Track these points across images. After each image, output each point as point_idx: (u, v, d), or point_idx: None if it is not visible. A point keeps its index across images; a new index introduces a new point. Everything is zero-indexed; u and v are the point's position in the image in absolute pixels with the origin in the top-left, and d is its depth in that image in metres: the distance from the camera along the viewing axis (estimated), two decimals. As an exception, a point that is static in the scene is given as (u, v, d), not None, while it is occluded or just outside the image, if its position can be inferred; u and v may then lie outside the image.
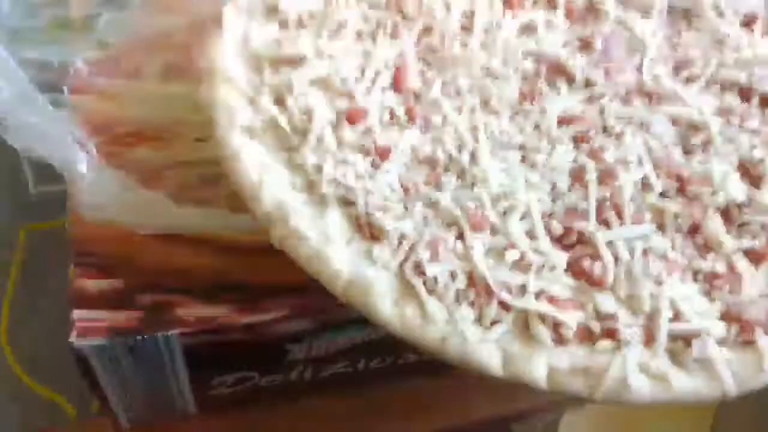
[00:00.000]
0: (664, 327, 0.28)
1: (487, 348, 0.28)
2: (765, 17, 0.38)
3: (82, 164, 0.36)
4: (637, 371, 0.28)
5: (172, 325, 0.34)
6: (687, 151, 0.33)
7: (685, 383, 0.28)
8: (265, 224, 0.30)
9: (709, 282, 0.30)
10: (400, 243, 0.29)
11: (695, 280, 0.30)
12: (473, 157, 0.31)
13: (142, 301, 0.35)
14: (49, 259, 0.40)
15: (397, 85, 0.33)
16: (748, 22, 0.38)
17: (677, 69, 0.36)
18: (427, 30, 0.35)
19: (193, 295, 0.35)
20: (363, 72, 0.33)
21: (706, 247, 0.31)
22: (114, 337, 0.34)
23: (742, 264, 0.30)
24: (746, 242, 0.31)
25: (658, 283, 0.29)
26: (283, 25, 0.34)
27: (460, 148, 0.32)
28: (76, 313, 0.34)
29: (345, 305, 0.29)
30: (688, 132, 0.34)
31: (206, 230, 0.36)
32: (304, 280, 0.29)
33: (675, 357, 0.28)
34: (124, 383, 0.37)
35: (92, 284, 0.35)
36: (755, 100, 0.35)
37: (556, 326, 0.28)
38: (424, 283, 0.28)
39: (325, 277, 0.29)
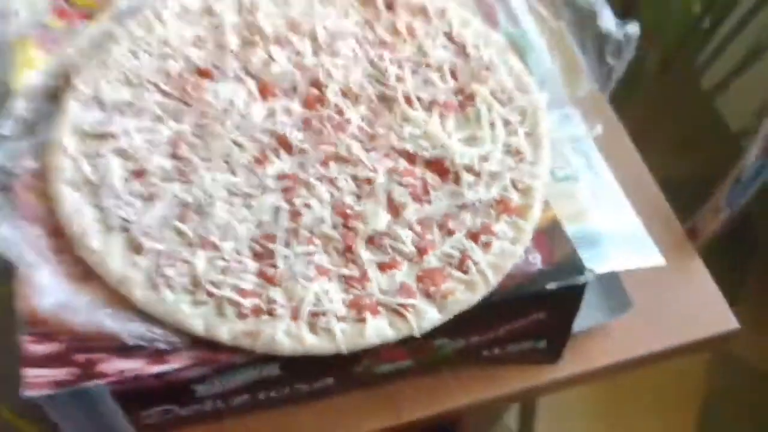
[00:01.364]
0: (306, 308, 0.45)
1: (195, 319, 0.45)
2: (443, 101, 0.55)
3: (38, 269, 0.44)
4: (282, 333, 0.45)
5: (100, 376, 0.44)
6: (359, 198, 0.50)
7: (313, 342, 0.45)
8: (74, 245, 0.47)
9: (347, 282, 0.47)
10: (154, 256, 0.46)
11: (339, 281, 0.47)
12: (211, 201, 0.48)
13: (78, 360, 0.44)
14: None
15: (173, 152, 0.50)
16: (429, 107, 0.55)
17: (366, 142, 0.52)
18: (202, 114, 0.52)
19: (114, 353, 0.44)
20: (151, 143, 0.50)
21: (352, 261, 0.48)
22: (57, 388, 0.43)
23: (373, 271, 0.47)
24: (380, 257, 0.48)
25: (309, 281, 0.46)
26: (106, 111, 0.51)
27: (204, 195, 0.49)
28: (27, 372, 0.43)
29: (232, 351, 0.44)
30: (362, 184, 0.51)
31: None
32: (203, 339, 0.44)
33: (312, 327, 0.45)
34: (75, 423, 0.46)
35: (39, 348, 0.44)
36: (419, 163, 0.52)
37: (238, 307, 0.45)
38: (165, 281, 0.46)
39: (103, 275, 0.46)
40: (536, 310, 0.51)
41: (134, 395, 0.45)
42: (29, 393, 0.43)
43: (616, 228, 0.54)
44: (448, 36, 0.58)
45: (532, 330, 0.53)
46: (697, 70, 1.25)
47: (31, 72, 0.52)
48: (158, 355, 0.45)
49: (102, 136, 0.50)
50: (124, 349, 0.45)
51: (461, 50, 0.57)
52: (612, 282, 0.57)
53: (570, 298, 0.51)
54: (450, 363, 0.53)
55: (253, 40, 0.56)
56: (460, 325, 0.48)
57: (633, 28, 0.58)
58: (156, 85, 0.53)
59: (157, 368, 0.44)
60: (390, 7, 0.59)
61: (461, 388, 0.55)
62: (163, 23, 0.55)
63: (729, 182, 0.63)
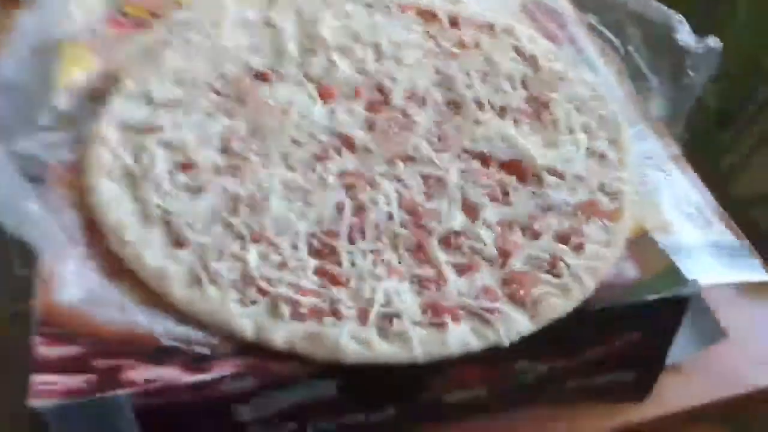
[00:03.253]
0: (375, 309, 0.36)
1: (244, 319, 0.36)
2: (516, 107, 0.47)
3: (66, 256, 0.37)
4: (348, 337, 0.35)
5: (122, 385, 0.35)
6: (429, 197, 0.42)
7: (385, 348, 0.36)
8: (109, 238, 0.39)
9: (420, 283, 0.38)
10: (198, 248, 0.38)
11: (411, 282, 0.38)
12: (266, 196, 0.41)
13: (98, 365, 0.35)
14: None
15: (225, 147, 0.43)
16: (502, 112, 0.47)
17: (436, 142, 0.45)
18: (258, 112, 0.45)
19: (143, 359, 0.35)
20: (201, 138, 0.43)
21: (425, 261, 0.39)
22: (69, 398, 0.34)
23: (450, 272, 0.39)
24: (457, 258, 0.39)
25: (379, 280, 0.37)
26: (154, 107, 0.45)
27: (258, 190, 0.41)
28: (36, 378, 0.34)
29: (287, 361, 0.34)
30: (433, 184, 0.43)
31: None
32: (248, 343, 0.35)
33: (382, 331, 0.36)
34: None
35: (52, 351, 0.36)
36: (494, 165, 0.44)
37: (295, 306, 0.36)
38: (208, 276, 0.37)
39: (138, 270, 0.37)
40: (631, 328, 0.41)
41: (161, 414, 0.36)
42: (34, 403, 0.34)
43: (707, 241, 0.45)
44: (517, 50, 0.52)
45: (623, 356, 0.43)
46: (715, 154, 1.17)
47: (78, 70, 0.47)
48: (196, 363, 0.35)
49: (148, 130, 0.44)
50: (155, 355, 0.36)
51: (532, 62, 0.51)
52: (699, 307, 0.48)
53: (670, 315, 0.42)
54: (527, 395, 0.43)
55: (314, 48, 0.50)
56: (547, 342, 0.38)
57: (714, 42, 0.52)
58: (210, 85, 0.46)
59: (193, 377, 0.35)
60: (454, 23, 0.53)
61: (537, 428, 0.44)
62: (220, 31, 0.50)
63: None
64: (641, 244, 0.42)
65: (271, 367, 0.36)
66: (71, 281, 0.36)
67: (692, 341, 0.47)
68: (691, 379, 0.47)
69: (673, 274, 0.41)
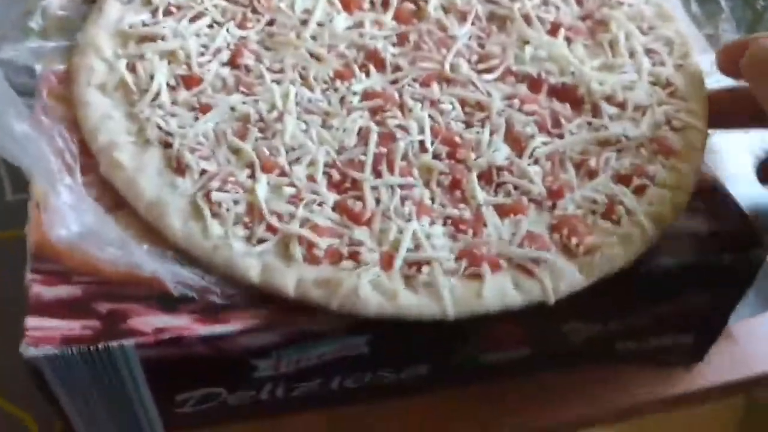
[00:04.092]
0: (402, 254, 0.31)
1: (249, 260, 0.31)
2: (569, 25, 0.41)
3: (61, 185, 0.32)
4: (369, 287, 0.30)
5: (128, 334, 0.30)
6: (468, 125, 0.36)
7: (410, 300, 0.30)
8: (99, 161, 0.34)
9: (455, 225, 0.33)
10: (201, 176, 0.33)
11: (444, 224, 0.33)
12: (280, 117, 0.35)
13: (99, 310, 0.31)
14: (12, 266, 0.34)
15: (233, 61, 0.37)
16: (553, 30, 0.41)
17: (478, 62, 0.39)
18: (270, 22, 0.39)
19: (152, 305, 0.31)
20: (207, 49, 0.37)
21: (462, 200, 0.34)
22: (67, 346, 0.30)
23: (490, 214, 0.33)
24: (500, 198, 0.34)
25: (407, 221, 0.32)
26: (154, 12, 0.39)
27: (270, 110, 0.35)
28: (30, 321, 0.30)
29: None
30: (473, 110, 0.37)
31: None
32: (269, 293, 0.30)
33: (408, 280, 0.31)
34: (84, 400, 0.33)
35: (48, 291, 0.31)
36: (544, 90, 0.38)
37: (310, 247, 0.31)
38: (211, 209, 0.32)
39: (132, 198, 0.32)
40: (697, 288, 0.36)
41: (171, 369, 0.31)
42: (28, 350, 0.29)
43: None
44: (571, -39, 0.44)
45: (684, 318, 0.38)
46: None
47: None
48: (211, 312, 0.31)
49: (147, 38, 0.37)
50: (164, 301, 0.31)
51: (588, -26, 0.43)
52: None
53: (741, 276, 0.36)
54: (574, 357, 0.38)
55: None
56: (600, 300, 0.33)
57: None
58: (217, -13, 0.40)
59: (209, 329, 0.30)
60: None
61: (582, 393, 0.40)
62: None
63: None
64: (712, 193, 0.36)
65: (297, 320, 0.31)
66: (66, 214, 0.30)
67: (749, 305, 0.42)
68: (744, 348, 0.42)
69: (748, 231, 0.35)
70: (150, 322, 0.30)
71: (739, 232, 0.35)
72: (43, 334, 0.30)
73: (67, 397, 0.32)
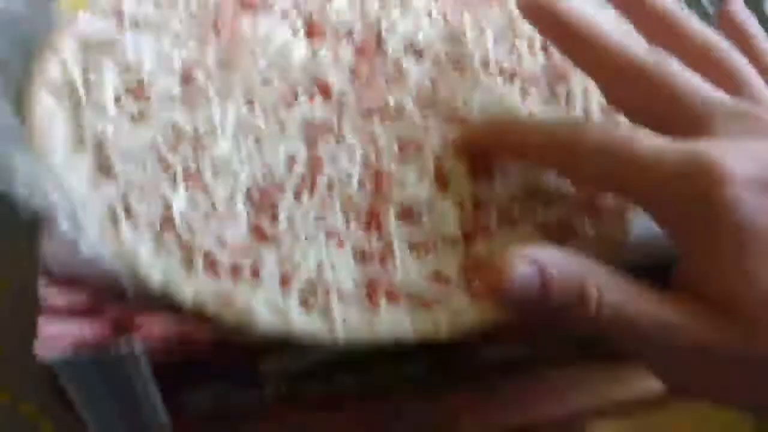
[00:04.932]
0: (302, 276, 0.31)
1: (152, 268, 0.31)
2: (528, 75, 0.41)
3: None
4: (263, 303, 0.30)
5: (137, 337, 0.31)
6: (400, 162, 0.36)
7: (303, 321, 0.30)
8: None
9: (363, 255, 0.33)
10: (125, 184, 0.34)
11: (353, 252, 0.33)
12: (213, 134, 0.36)
13: (110, 313, 0.32)
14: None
15: (185, 77, 0.38)
16: (510, 78, 0.41)
17: (424, 101, 0.39)
18: (231, 43, 0.40)
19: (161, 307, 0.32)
20: (162, 63, 0.38)
21: (377, 231, 0.34)
22: (80, 349, 0.31)
23: (401, 247, 0.33)
24: (414, 235, 0.34)
25: (314, 246, 0.32)
26: (121, 24, 0.40)
27: (206, 127, 0.36)
28: (42, 325, 0.31)
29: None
30: (408, 147, 0.37)
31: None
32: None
33: (305, 303, 0.31)
34: (96, 402, 0.33)
35: (60, 294, 0.32)
36: (486, 136, 0.38)
37: (212, 260, 0.31)
38: (126, 215, 0.33)
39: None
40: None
41: (178, 369, 0.32)
42: (42, 354, 0.30)
43: None
44: (545, 11, 0.45)
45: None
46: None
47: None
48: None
49: (106, 45, 0.39)
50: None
51: (559, 26, 0.43)
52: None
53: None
54: (577, 353, 0.38)
55: (311, -17, 0.44)
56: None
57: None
58: (188, 7, 0.41)
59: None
60: (478, -28, 0.47)
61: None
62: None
63: None
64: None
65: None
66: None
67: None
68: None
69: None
70: (158, 324, 0.31)
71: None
72: (56, 337, 0.30)
73: (79, 400, 0.32)
